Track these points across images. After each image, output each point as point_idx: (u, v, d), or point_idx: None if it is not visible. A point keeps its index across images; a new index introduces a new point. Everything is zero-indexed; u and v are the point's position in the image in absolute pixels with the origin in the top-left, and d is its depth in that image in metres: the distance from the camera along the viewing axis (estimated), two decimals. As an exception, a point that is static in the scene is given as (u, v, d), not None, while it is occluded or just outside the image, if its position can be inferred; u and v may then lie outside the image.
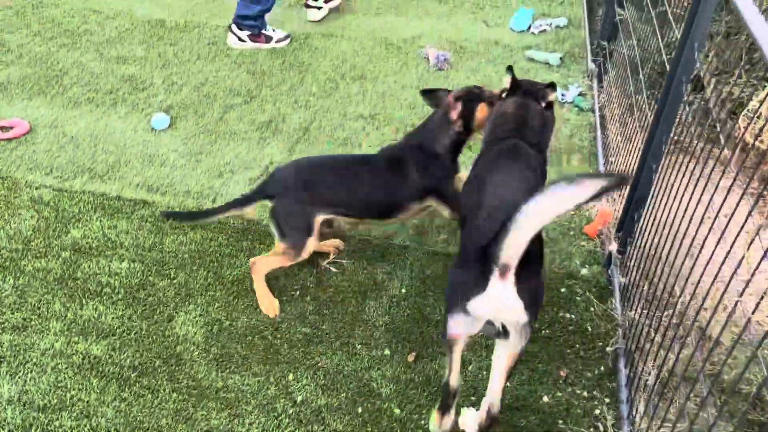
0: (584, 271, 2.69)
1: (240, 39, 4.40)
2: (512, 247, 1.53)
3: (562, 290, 2.59)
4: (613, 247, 2.59)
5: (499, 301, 1.63)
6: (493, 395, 1.88)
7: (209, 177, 3.14)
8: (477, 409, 1.99)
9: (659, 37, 3.42)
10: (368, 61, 4.32)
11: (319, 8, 4.87)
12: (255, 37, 4.41)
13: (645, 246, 2.25)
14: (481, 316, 1.70)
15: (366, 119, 3.69)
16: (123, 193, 2.99)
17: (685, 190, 1.88)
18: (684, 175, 1.92)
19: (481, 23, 4.95)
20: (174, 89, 3.84)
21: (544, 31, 4.91)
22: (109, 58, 4.12)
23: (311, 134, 3.52)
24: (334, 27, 4.77)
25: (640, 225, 2.38)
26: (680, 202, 1.91)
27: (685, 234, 1.82)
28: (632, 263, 2.35)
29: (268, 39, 4.46)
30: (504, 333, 1.74)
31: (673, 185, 1.99)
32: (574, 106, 3.96)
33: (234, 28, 4.39)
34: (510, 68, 2.34)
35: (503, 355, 1.84)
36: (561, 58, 4.34)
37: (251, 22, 4.34)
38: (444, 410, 1.89)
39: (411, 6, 5.19)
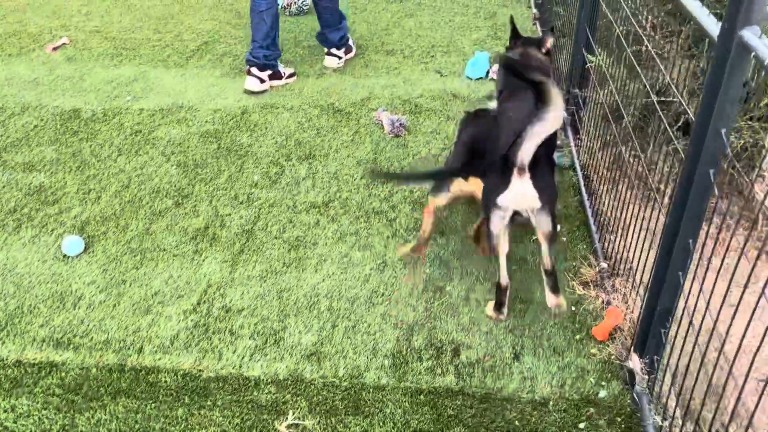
0: (602, 393, 2.20)
1: (261, 80, 4.29)
2: (524, 153, 2.14)
3: (581, 426, 2.09)
4: (635, 364, 2.11)
5: (520, 192, 2.22)
6: (546, 261, 2.44)
7: (134, 315, 2.58)
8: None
9: (644, 80, 3.02)
10: (316, 135, 3.82)
11: (339, 58, 4.65)
12: (274, 75, 4.37)
13: (684, 372, 1.78)
14: (508, 206, 2.27)
15: (319, 209, 3.18)
16: (24, 354, 2.40)
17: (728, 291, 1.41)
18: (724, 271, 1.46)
19: (434, 74, 4.52)
20: (91, 198, 3.27)
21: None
22: (14, 166, 3.54)
23: (256, 238, 2.99)
24: (274, 96, 4.27)
25: (670, 343, 1.90)
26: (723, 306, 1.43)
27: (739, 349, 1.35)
28: (668, 398, 1.86)
29: (280, 75, 4.41)
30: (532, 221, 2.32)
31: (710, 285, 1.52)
32: (552, 164, 3.50)
33: (255, 70, 4.26)
34: (511, 19, 2.99)
35: (540, 237, 2.39)
36: (529, 109, 3.90)
37: (273, 61, 4.32)
38: (499, 306, 2.50)
39: (356, 61, 4.73)
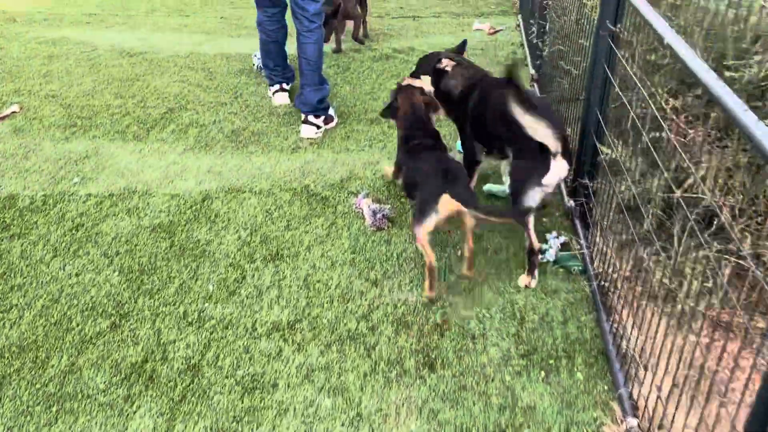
0: None
1: (318, 127, 4.26)
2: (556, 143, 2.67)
3: None
4: None
5: (559, 172, 2.77)
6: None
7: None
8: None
9: (664, 171, 2.55)
10: (285, 228, 3.31)
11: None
12: (327, 119, 4.34)
13: None
14: (551, 184, 2.79)
15: (283, 332, 2.65)
16: None
17: None
18: None
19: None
20: (10, 319, 2.74)
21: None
22: (-74, 274, 3.00)
23: (203, 378, 2.45)
24: (242, 176, 3.77)
25: None
26: None
27: None
28: None
29: (332, 118, 4.39)
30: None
31: None
32: (560, 267, 3.00)
33: (312, 118, 4.23)
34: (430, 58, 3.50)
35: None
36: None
37: (326, 103, 4.31)
38: (531, 270, 2.91)
39: (337, 131, 4.24)
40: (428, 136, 3.16)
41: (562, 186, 3.51)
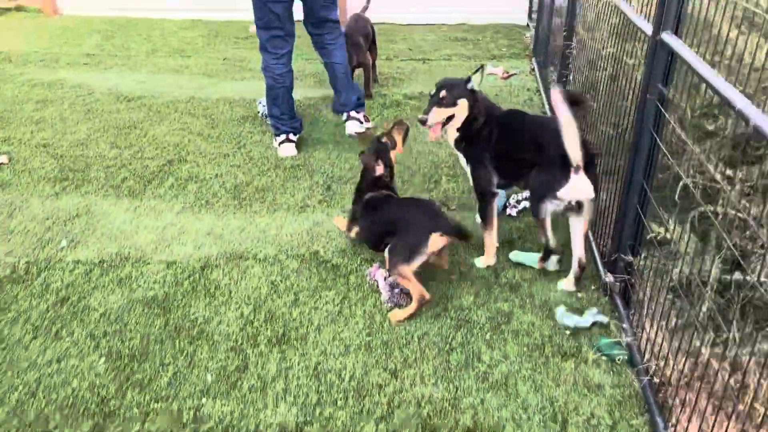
0: None
1: (360, 121, 4.61)
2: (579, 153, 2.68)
3: None
4: None
5: (578, 187, 2.75)
6: (579, 253, 3.02)
7: None
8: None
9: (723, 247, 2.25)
10: (293, 302, 2.99)
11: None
12: (366, 116, 4.69)
13: None
14: (566, 198, 2.82)
15: (292, 438, 2.30)
16: None
17: None
18: None
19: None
20: (-21, 417, 2.39)
21: (524, 210, 3.72)
22: None
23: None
24: (245, 240, 3.45)
25: None
26: None
27: None
28: None
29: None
30: (578, 209, 2.90)
31: None
32: (602, 354, 2.66)
33: (354, 113, 4.60)
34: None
35: (578, 226, 2.99)
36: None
37: (363, 100, 4.73)
38: (545, 258, 3.14)
39: (349, 189, 3.95)
40: (381, 187, 3.26)
41: (597, 257, 3.20)
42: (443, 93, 3.13)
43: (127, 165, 4.29)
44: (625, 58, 2.99)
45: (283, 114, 4.37)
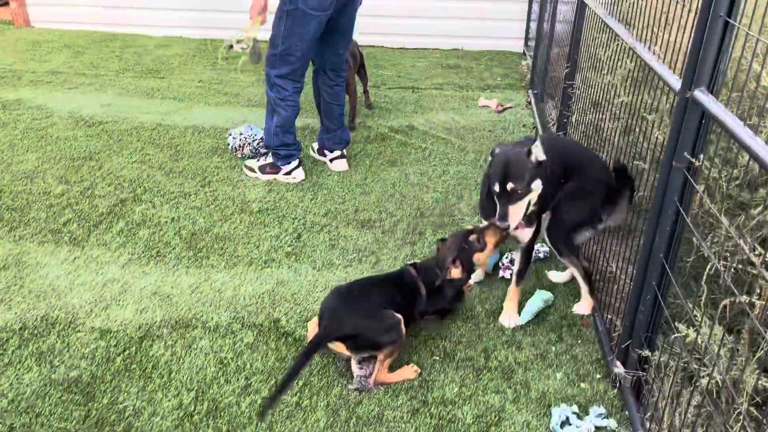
0: None
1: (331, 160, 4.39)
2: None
3: None
4: None
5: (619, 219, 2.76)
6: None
7: None
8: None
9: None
10: (242, 390, 2.50)
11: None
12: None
13: None
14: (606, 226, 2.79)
15: None
16: None
17: None
18: None
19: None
20: None
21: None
22: None
23: None
24: (197, 303, 2.97)
25: None
26: None
27: None
28: None
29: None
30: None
31: None
32: (611, 471, 2.19)
33: (345, 151, 4.38)
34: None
35: None
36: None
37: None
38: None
39: (318, 239, 3.47)
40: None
41: (603, 336, 2.74)
42: (511, 186, 2.46)
43: (73, 205, 3.80)
44: (643, 111, 2.55)
45: (296, 139, 4.16)
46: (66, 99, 5.59)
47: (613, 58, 2.94)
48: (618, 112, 2.84)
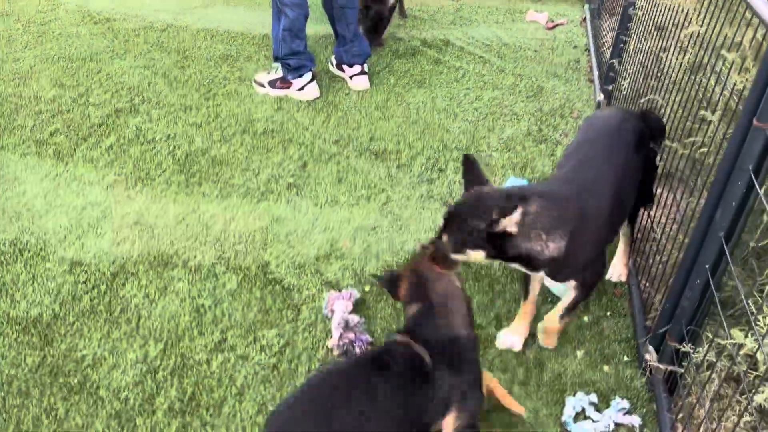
0: None
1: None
2: None
3: None
4: None
5: None
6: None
7: None
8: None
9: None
10: (216, 345, 2.23)
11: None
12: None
13: None
14: None
15: None
16: None
17: None
18: None
19: (439, 205, 2.86)
20: None
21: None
22: None
23: None
24: (182, 237, 2.67)
25: None
26: None
27: None
28: None
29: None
30: None
31: None
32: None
33: (366, 67, 3.87)
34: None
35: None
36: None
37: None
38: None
39: (324, 169, 3.09)
40: None
41: (637, 309, 2.35)
42: (444, 238, 1.88)
43: (65, 112, 3.48)
44: (719, 48, 2.01)
45: (305, 48, 3.68)
46: (76, -10, 5.15)
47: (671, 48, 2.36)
48: (686, 43, 2.30)
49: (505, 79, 4.08)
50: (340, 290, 2.41)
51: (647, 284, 2.42)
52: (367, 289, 2.46)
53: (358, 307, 2.38)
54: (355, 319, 2.26)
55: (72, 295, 2.38)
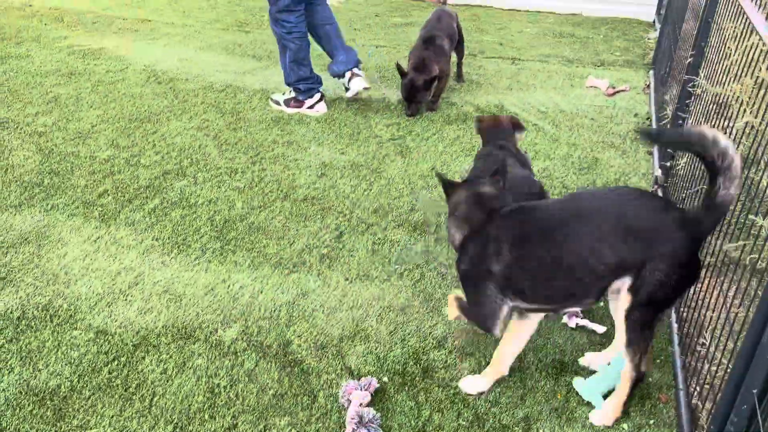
0: None
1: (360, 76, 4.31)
2: None
3: None
4: None
5: None
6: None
7: None
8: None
9: None
10: (227, 430, 2.14)
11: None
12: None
13: None
14: None
15: None
16: None
17: None
18: None
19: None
20: None
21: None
22: None
23: None
24: (208, 306, 2.64)
25: None
26: None
27: None
28: None
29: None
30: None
31: None
32: None
33: (356, 69, 4.25)
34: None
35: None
36: None
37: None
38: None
39: (360, 242, 3.01)
40: None
41: (678, 356, 2.12)
42: None
43: (116, 173, 3.58)
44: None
45: (311, 72, 4.22)
46: (146, 50, 5.41)
47: (744, 57, 2.19)
48: (740, 135, 2.11)
49: (559, 149, 3.93)
50: (359, 378, 2.30)
51: (696, 388, 2.18)
52: (386, 379, 2.33)
53: (377, 396, 2.26)
54: (370, 413, 2.14)
55: (92, 366, 2.37)
